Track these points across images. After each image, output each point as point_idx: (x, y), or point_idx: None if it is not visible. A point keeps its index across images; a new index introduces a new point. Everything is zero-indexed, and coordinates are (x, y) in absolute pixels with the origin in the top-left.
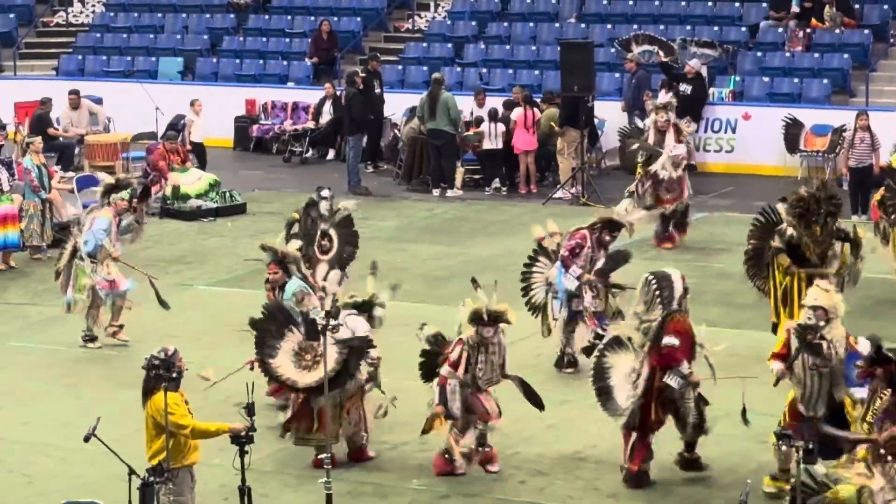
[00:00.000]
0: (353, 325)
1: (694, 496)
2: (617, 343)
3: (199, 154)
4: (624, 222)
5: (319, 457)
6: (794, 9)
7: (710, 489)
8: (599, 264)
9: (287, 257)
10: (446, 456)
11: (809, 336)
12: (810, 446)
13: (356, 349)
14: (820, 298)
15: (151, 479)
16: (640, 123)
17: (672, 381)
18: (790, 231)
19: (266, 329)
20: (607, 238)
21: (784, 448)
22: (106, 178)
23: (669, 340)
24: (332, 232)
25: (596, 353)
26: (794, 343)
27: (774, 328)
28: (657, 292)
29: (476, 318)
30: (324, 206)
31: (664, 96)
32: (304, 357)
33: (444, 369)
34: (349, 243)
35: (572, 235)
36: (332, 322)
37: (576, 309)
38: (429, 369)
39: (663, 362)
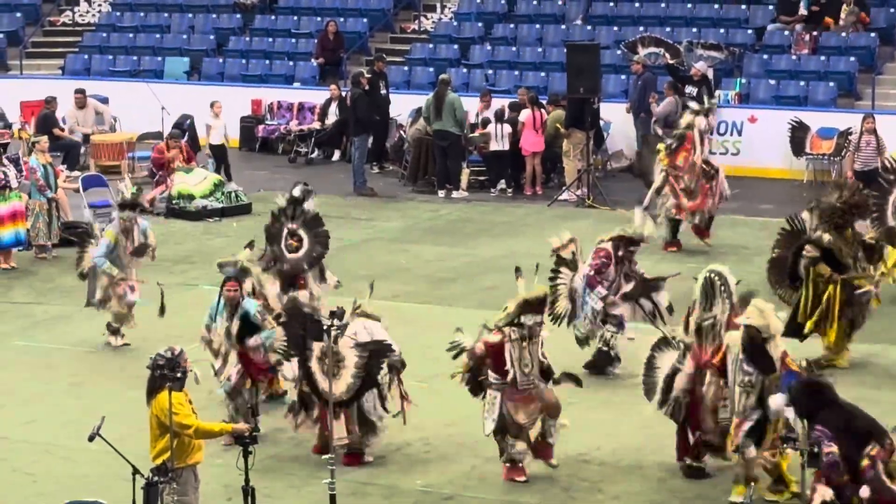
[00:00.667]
0: (371, 329)
1: (699, 498)
2: (665, 343)
3: (220, 156)
4: (641, 237)
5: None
6: (802, 11)
7: (715, 490)
8: (627, 288)
9: (245, 273)
10: (508, 464)
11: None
12: (815, 450)
13: (376, 352)
14: (753, 318)
15: (155, 478)
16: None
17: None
18: (826, 237)
19: (294, 332)
20: (629, 253)
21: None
22: (124, 192)
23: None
24: (302, 231)
25: (648, 351)
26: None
27: (797, 331)
28: (722, 288)
29: (533, 304)
30: (310, 204)
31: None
32: (325, 362)
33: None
34: (319, 243)
35: (597, 253)
36: (338, 323)
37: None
38: (476, 384)
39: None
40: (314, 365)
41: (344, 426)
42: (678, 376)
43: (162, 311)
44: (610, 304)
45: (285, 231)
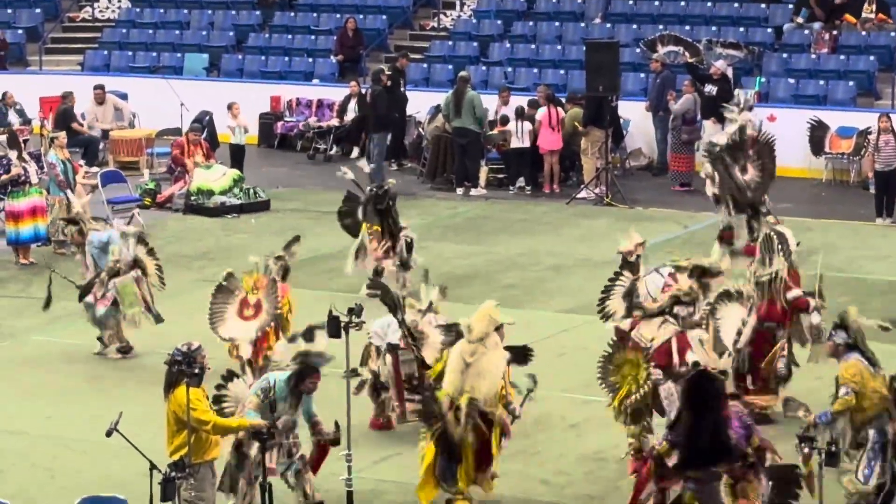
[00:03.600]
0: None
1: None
2: (727, 295)
3: (237, 156)
4: (718, 271)
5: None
6: (819, 13)
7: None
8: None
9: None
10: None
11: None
12: (833, 448)
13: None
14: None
15: (173, 474)
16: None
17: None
18: None
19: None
20: (702, 284)
21: (806, 450)
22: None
23: (795, 293)
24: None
25: (707, 304)
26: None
27: None
28: (780, 246)
29: (705, 272)
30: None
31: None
32: (407, 339)
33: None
34: None
35: (672, 276)
36: (356, 320)
37: None
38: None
39: (778, 313)
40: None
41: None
42: (745, 329)
43: (47, 303)
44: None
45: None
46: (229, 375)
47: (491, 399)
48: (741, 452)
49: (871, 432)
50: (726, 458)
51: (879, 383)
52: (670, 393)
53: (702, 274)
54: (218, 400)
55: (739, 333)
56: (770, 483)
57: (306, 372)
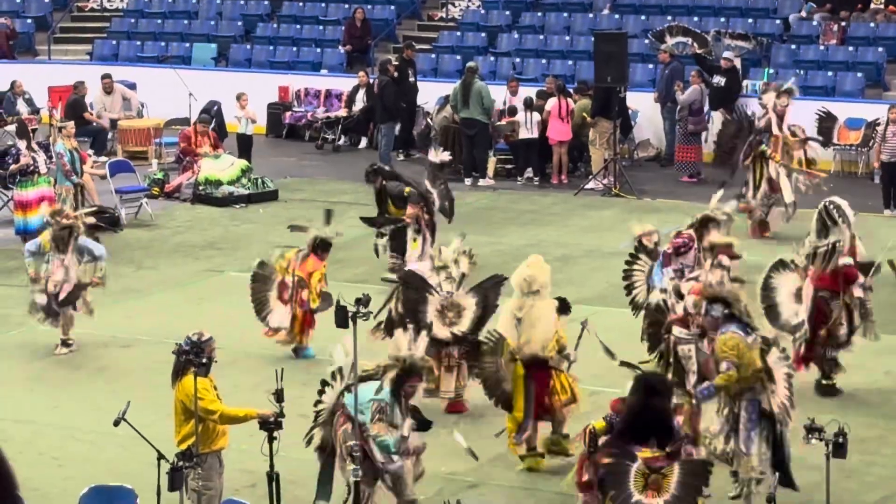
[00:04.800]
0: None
1: (723, 488)
2: (782, 265)
3: (245, 147)
4: (723, 216)
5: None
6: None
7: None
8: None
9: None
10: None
11: None
12: (840, 440)
13: (492, 285)
14: None
15: (180, 463)
16: (752, 109)
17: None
18: None
19: (411, 297)
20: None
21: (813, 441)
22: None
23: (846, 260)
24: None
25: (763, 274)
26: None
27: None
28: (840, 218)
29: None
30: None
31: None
32: (446, 315)
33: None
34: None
35: (678, 235)
36: (363, 310)
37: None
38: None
39: (833, 282)
40: (435, 321)
41: (453, 380)
42: (805, 298)
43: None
44: (673, 289)
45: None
46: (324, 385)
47: (547, 346)
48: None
49: (744, 404)
50: (665, 436)
51: (755, 354)
52: (690, 353)
53: (705, 222)
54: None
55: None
56: (681, 476)
57: (410, 374)
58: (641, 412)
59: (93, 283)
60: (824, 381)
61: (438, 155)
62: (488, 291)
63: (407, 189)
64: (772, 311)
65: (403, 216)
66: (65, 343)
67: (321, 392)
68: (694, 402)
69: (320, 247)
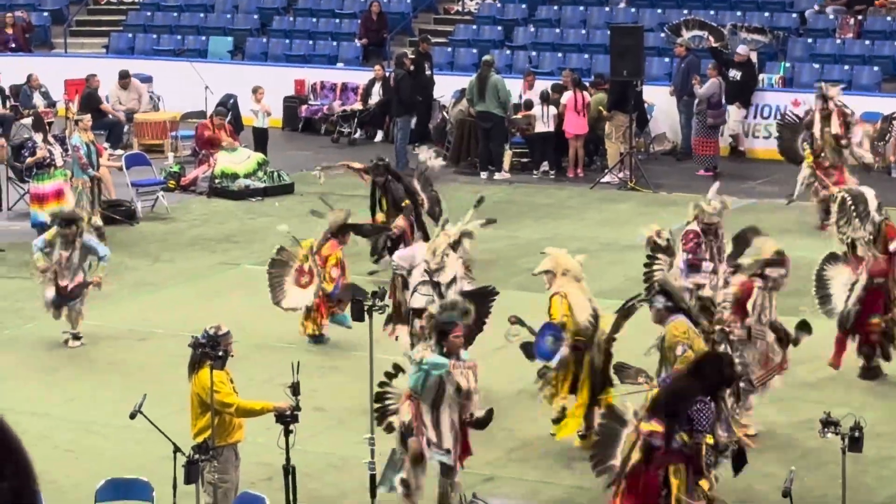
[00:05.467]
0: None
1: (738, 482)
2: (833, 258)
3: (261, 140)
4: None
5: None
6: None
7: (753, 475)
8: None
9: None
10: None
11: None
12: (856, 434)
13: (481, 297)
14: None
15: (196, 456)
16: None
17: None
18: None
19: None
20: (707, 227)
21: (829, 435)
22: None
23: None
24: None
25: (817, 266)
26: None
27: None
28: (853, 209)
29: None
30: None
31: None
32: None
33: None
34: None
35: (685, 236)
36: (379, 303)
37: None
38: None
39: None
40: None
41: None
42: (855, 288)
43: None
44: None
45: None
46: (395, 371)
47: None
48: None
49: None
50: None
51: (702, 343)
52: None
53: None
54: (381, 397)
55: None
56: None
57: (446, 329)
58: (674, 386)
59: (94, 282)
60: (867, 364)
61: (431, 160)
62: (479, 304)
63: (405, 202)
64: (825, 301)
65: (390, 225)
66: (75, 336)
67: (390, 375)
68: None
69: (339, 231)
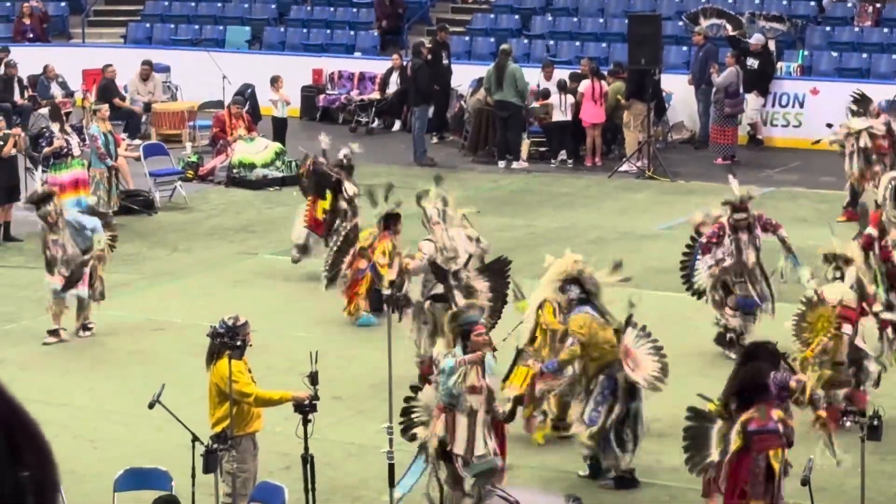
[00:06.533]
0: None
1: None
2: None
3: (279, 130)
4: (742, 200)
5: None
6: None
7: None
8: (727, 263)
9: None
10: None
11: None
12: (875, 423)
13: (498, 271)
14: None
15: (215, 446)
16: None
17: None
18: None
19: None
20: (738, 221)
21: (848, 424)
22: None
23: None
24: None
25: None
26: None
27: None
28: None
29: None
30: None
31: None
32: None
33: None
34: None
35: (714, 224)
36: (398, 294)
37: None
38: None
39: None
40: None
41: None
42: None
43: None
44: (713, 276)
45: None
46: (420, 385)
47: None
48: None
49: (601, 378)
50: (763, 394)
51: (610, 334)
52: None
53: (732, 210)
54: (407, 411)
55: None
56: None
57: (468, 329)
58: (736, 376)
59: (96, 256)
60: None
61: (326, 141)
62: (496, 277)
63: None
64: None
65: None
66: (85, 327)
67: (415, 389)
68: (541, 370)
69: (385, 220)
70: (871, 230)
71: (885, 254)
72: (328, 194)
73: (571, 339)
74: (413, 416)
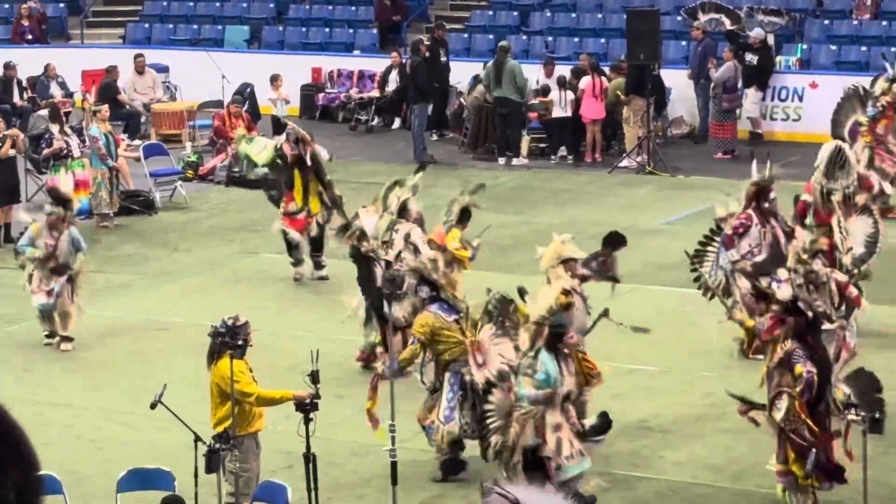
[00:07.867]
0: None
1: (761, 463)
2: None
3: (279, 128)
4: (769, 180)
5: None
6: None
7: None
8: (760, 258)
9: None
10: None
11: None
12: (877, 416)
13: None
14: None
15: (217, 445)
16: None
17: None
18: None
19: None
20: (767, 203)
21: (850, 417)
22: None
23: None
24: None
25: None
26: None
27: None
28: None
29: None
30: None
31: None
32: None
33: None
34: None
35: (739, 216)
36: (398, 291)
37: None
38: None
39: None
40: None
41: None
42: None
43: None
44: (738, 270)
45: None
46: (489, 387)
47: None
48: None
49: (448, 375)
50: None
51: (455, 330)
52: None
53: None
54: (483, 416)
55: None
56: None
57: (561, 332)
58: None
59: (77, 271)
60: None
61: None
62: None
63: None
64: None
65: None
66: (66, 339)
67: (486, 393)
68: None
69: (462, 213)
70: (806, 196)
71: (819, 219)
72: (295, 176)
73: (412, 339)
74: (488, 420)
